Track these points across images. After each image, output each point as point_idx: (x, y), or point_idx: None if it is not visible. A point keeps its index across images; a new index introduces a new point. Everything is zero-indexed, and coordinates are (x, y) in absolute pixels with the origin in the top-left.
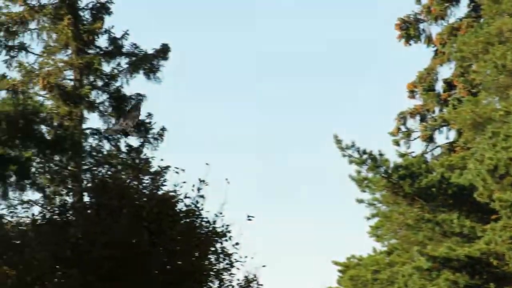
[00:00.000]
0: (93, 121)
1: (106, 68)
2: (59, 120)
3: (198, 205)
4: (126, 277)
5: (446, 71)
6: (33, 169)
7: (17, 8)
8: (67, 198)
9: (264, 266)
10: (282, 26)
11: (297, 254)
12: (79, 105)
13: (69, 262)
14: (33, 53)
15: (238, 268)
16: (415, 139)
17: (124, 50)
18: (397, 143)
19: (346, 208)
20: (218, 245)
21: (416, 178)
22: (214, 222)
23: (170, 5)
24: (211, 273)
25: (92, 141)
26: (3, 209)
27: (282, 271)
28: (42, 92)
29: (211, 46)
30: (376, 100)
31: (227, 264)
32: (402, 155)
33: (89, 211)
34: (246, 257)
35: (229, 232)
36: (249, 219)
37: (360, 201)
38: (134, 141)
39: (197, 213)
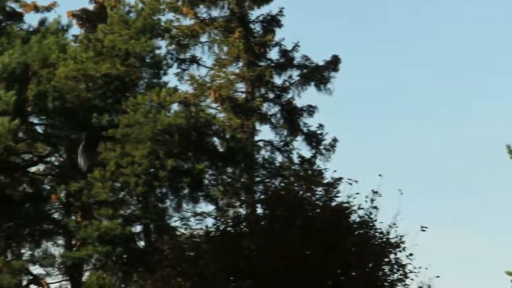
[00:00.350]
0: (265, 133)
1: (277, 80)
2: (231, 132)
3: (372, 216)
4: None
5: None
6: (206, 181)
7: (187, 22)
8: (240, 210)
9: (438, 277)
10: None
11: (470, 264)
12: (251, 117)
13: (242, 274)
14: (204, 66)
15: (412, 279)
16: None
17: (295, 62)
18: None
19: None
20: (392, 256)
21: None
22: (388, 233)
23: (340, 16)
24: (385, 284)
25: (264, 153)
26: (176, 221)
27: (456, 282)
28: (214, 105)
29: (379, 57)
30: None
31: (401, 275)
32: None
33: (262, 223)
34: (420, 267)
35: (402, 243)
36: (423, 230)
37: None
38: (306, 152)
39: (370, 224)
